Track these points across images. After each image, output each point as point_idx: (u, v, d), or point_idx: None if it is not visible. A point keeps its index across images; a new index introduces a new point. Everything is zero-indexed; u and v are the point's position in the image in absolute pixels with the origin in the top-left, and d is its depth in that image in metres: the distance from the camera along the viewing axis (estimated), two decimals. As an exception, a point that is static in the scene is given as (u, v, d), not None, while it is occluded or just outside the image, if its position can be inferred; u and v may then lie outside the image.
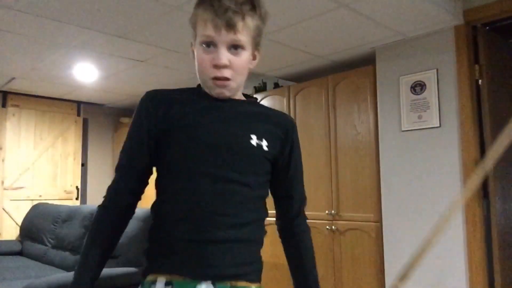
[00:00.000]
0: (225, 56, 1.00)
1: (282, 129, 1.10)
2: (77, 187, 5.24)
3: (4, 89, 4.60)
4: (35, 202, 4.73)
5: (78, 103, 5.29)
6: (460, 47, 2.65)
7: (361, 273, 2.99)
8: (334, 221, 3.16)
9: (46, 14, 2.54)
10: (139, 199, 1.10)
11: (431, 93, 2.73)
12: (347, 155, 3.14)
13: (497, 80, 2.78)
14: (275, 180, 1.13)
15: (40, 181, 4.93)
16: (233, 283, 0.99)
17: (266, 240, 3.45)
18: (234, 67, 1.01)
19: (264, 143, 1.05)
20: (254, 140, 1.03)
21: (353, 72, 3.17)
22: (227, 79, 1.01)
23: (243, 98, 1.12)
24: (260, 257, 1.11)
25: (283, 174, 1.12)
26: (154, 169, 1.10)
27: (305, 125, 3.42)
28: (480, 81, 2.65)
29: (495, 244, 2.55)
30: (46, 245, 4.04)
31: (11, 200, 4.70)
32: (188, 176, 1.01)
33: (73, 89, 4.62)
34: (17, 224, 4.68)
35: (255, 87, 3.92)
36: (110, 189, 1.07)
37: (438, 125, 2.70)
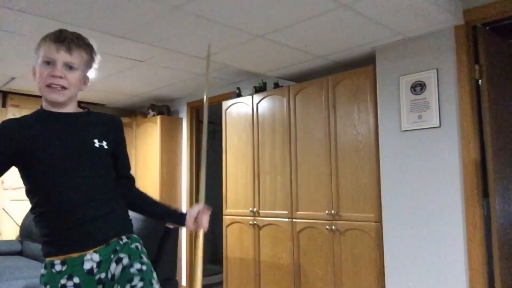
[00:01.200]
0: (60, 69, 1.33)
1: (112, 128, 1.49)
2: (77, 187, 5.23)
3: (4, 89, 4.59)
4: (35, 202, 4.73)
5: (78, 103, 5.28)
6: (460, 47, 2.65)
7: (361, 273, 2.99)
8: (334, 221, 3.16)
9: (46, 14, 2.54)
10: None
11: (431, 93, 2.73)
12: (347, 155, 3.14)
13: (497, 80, 2.78)
14: (115, 165, 1.49)
15: (40, 181, 4.93)
16: (107, 242, 1.36)
17: (266, 241, 3.52)
18: (68, 79, 1.35)
19: (105, 143, 1.40)
20: (97, 143, 1.39)
21: (353, 72, 3.17)
22: (63, 87, 1.35)
23: (79, 110, 1.47)
24: (127, 218, 1.48)
25: (118, 160, 1.50)
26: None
27: (305, 125, 3.42)
28: (480, 81, 2.65)
29: (495, 244, 2.55)
30: (46, 245, 4.03)
31: (11, 200, 4.69)
32: (49, 184, 1.32)
33: (73, 89, 4.61)
34: (17, 224, 4.67)
35: (255, 87, 3.92)
36: None
37: (438, 125, 2.70)
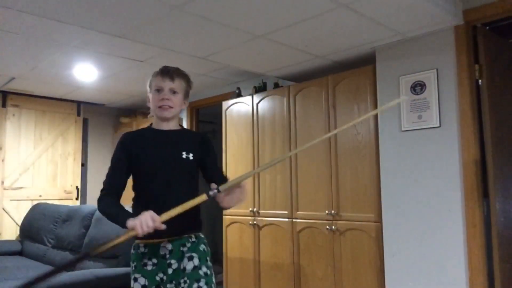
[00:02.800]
0: (167, 93, 1.81)
1: (200, 143, 1.87)
2: (77, 187, 5.24)
3: (4, 89, 4.59)
4: (35, 202, 4.73)
5: (78, 103, 5.29)
6: (460, 47, 2.65)
7: (361, 273, 2.99)
8: (334, 221, 3.16)
9: (46, 14, 2.54)
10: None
11: (431, 93, 2.73)
12: (347, 155, 3.14)
13: (497, 80, 2.78)
14: (204, 173, 1.87)
15: (40, 181, 4.93)
16: (180, 236, 1.75)
17: (266, 241, 3.53)
18: (173, 101, 1.82)
19: (191, 155, 1.80)
20: (184, 155, 1.79)
21: (353, 72, 3.17)
22: (170, 107, 1.81)
23: (177, 127, 1.90)
24: (197, 218, 1.85)
25: (206, 169, 1.86)
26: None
27: (305, 125, 3.42)
28: (480, 81, 2.65)
29: (495, 244, 2.55)
30: (46, 245, 4.04)
31: (11, 200, 4.70)
32: (147, 181, 1.78)
33: (73, 89, 4.62)
34: (17, 224, 4.67)
35: (255, 87, 3.92)
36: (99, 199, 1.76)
37: (438, 125, 2.70)
